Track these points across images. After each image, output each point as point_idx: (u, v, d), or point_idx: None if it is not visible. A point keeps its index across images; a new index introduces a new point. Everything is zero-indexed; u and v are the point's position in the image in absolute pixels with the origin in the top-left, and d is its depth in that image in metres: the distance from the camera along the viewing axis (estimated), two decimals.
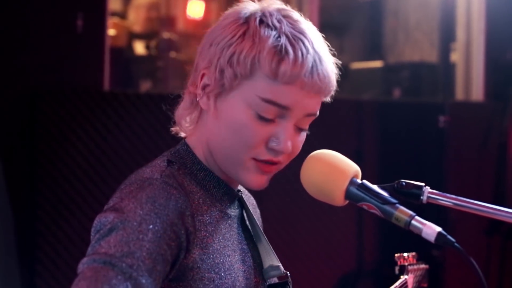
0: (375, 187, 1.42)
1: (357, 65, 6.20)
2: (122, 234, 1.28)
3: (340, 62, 1.50)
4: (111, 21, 4.93)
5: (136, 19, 6.54)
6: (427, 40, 6.57)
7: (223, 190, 1.53)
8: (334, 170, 1.43)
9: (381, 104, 5.03)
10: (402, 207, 1.38)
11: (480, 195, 4.79)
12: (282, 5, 1.51)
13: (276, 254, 1.60)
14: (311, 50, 1.43)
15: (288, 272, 1.59)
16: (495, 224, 4.69)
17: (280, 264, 1.58)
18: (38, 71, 3.72)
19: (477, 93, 5.62)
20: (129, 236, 1.28)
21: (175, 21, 6.66)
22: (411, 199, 1.41)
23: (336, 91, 1.50)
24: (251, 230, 1.60)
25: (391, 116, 4.85)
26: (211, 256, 1.43)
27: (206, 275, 1.41)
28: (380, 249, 4.72)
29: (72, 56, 3.82)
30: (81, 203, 3.74)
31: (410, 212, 1.37)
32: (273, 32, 1.43)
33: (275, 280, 1.56)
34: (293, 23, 1.46)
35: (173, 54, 6.16)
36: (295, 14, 1.49)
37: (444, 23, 5.09)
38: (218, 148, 1.49)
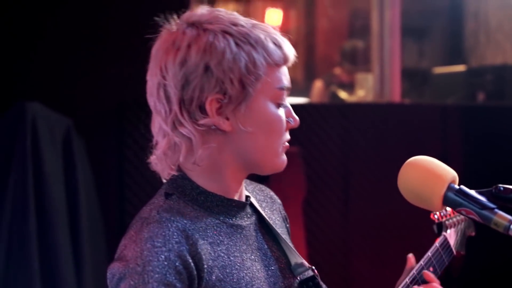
0: (473, 192, 1.42)
1: (439, 69, 6.13)
2: (129, 282, 1.36)
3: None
4: None
5: None
6: (509, 41, 6.46)
7: (228, 205, 1.52)
8: (432, 176, 1.43)
9: (465, 108, 4.97)
10: (501, 212, 1.38)
11: None
12: (211, 9, 1.53)
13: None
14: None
15: (313, 266, 1.60)
16: None
17: (303, 260, 1.59)
18: (125, 83, 3.82)
19: None
20: (137, 283, 1.35)
21: None
22: (510, 204, 1.41)
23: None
24: (275, 231, 1.60)
25: (476, 120, 4.79)
26: (229, 275, 1.45)
27: None
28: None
29: None
30: None
31: (509, 217, 1.37)
32: (257, 30, 1.49)
33: (304, 276, 1.57)
34: (241, 19, 1.52)
35: None
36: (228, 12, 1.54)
37: None
38: (254, 156, 1.51)
